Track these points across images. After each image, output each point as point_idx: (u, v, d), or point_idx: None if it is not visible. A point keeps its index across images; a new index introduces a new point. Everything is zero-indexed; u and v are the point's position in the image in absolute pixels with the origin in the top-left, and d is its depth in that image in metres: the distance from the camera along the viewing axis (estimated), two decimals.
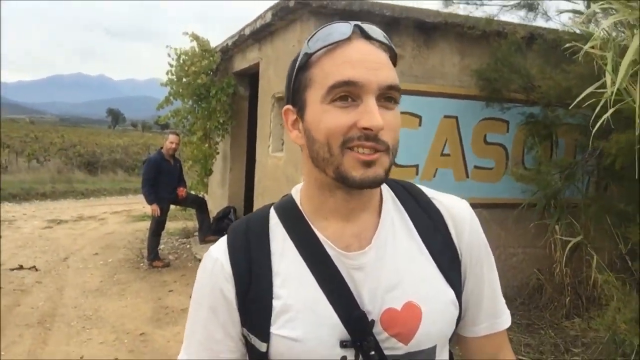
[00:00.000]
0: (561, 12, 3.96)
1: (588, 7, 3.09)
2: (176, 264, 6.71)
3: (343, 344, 0.81)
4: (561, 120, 4.23)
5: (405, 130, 4.46)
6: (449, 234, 0.92)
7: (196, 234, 7.79)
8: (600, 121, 2.68)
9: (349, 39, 0.82)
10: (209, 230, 7.24)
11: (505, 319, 0.98)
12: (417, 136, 4.64)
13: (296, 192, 0.95)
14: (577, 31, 3.44)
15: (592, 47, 3.06)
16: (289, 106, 0.89)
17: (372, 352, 0.82)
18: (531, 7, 4.12)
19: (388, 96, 0.81)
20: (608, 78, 2.68)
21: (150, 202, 6.55)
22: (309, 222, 0.89)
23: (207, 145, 7.49)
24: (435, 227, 0.91)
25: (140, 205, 10.97)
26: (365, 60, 0.80)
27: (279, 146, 5.45)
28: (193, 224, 8.35)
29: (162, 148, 6.81)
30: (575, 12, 3.51)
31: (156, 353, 4.09)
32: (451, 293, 0.88)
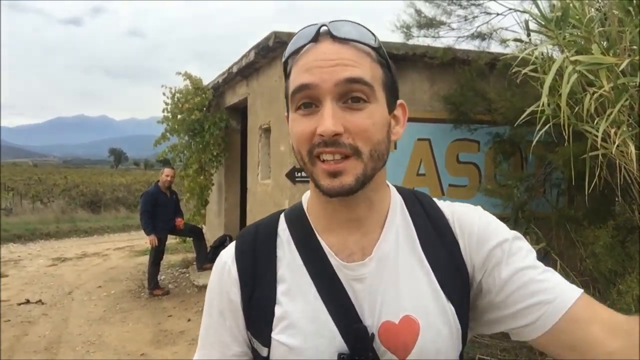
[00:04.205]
0: (506, 40, 4.32)
1: (528, 35, 3.46)
2: (175, 292, 7.00)
3: (341, 357, 0.79)
4: (523, 137, 4.56)
5: None
6: (457, 244, 0.87)
7: (195, 263, 8.09)
8: (538, 135, 3.02)
9: (316, 41, 0.80)
10: (206, 258, 7.54)
11: (564, 299, 0.78)
12: (394, 158, 4.99)
13: (305, 199, 0.94)
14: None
15: (535, 71, 3.43)
16: (286, 114, 0.88)
17: None
18: (483, 37, 4.53)
19: (354, 96, 0.77)
20: (544, 97, 3.03)
21: (148, 233, 6.89)
22: (315, 230, 0.88)
23: (202, 177, 7.85)
24: (441, 240, 0.87)
25: (142, 240, 11.25)
26: (321, 60, 0.78)
27: (267, 173, 5.81)
28: (192, 255, 8.63)
29: (158, 182, 7.18)
30: (517, 40, 3.90)
31: None
32: (451, 309, 0.83)
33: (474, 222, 0.87)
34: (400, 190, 0.94)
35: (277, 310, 0.84)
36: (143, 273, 7.98)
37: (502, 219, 3.40)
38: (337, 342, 0.80)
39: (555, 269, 3.53)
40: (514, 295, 0.80)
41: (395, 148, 4.99)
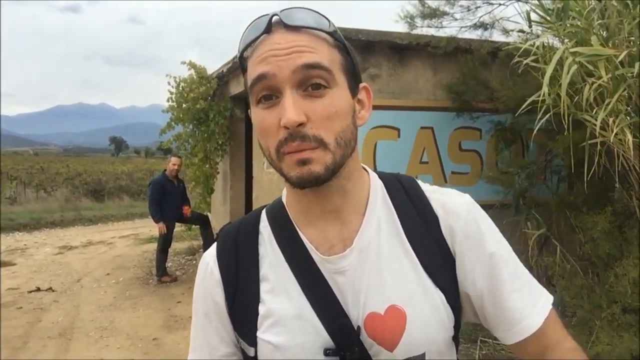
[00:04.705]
0: (509, 30, 4.40)
1: (530, 26, 3.55)
2: (183, 279, 7.16)
3: (327, 352, 0.79)
4: (525, 125, 4.66)
5: (385, 142, 4.92)
6: (441, 232, 0.85)
7: (201, 250, 8.23)
8: (539, 124, 3.13)
9: (268, 32, 0.77)
10: None
11: (532, 321, 0.83)
12: (397, 147, 5.08)
13: (285, 194, 0.92)
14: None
15: (537, 61, 3.52)
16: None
17: None
18: (486, 27, 4.61)
19: (314, 83, 0.75)
20: (545, 87, 3.13)
21: (156, 221, 7.03)
22: (295, 225, 0.86)
23: (207, 165, 7.95)
24: (426, 227, 0.85)
25: (147, 228, 11.41)
26: (276, 49, 0.75)
27: None
28: (198, 242, 8.78)
29: (165, 170, 7.30)
30: (520, 31, 3.98)
31: (168, 354, 4.53)
32: (440, 296, 0.82)
33: (459, 215, 0.86)
34: (382, 176, 0.92)
35: (261, 308, 0.83)
36: (150, 261, 8.14)
37: (504, 205, 3.52)
38: (322, 337, 0.79)
39: (555, 253, 3.65)
40: (488, 308, 0.84)
41: (399, 136, 5.09)
